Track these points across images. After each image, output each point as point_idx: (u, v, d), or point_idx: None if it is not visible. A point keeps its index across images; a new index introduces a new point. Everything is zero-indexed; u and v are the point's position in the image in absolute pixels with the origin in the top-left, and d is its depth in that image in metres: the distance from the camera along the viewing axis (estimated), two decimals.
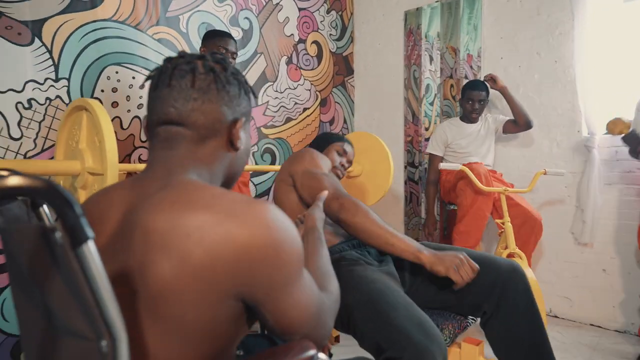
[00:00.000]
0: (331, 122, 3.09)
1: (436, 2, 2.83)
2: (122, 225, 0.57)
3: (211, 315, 0.51)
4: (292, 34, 2.80)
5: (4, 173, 0.70)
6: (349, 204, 1.14)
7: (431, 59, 2.89)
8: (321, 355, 0.61)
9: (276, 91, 2.71)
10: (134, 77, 2.00)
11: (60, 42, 1.78)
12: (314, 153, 1.39)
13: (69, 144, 1.46)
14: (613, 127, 2.04)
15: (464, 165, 2.07)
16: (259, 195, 2.61)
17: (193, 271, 0.49)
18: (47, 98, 1.75)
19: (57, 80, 1.77)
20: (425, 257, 1.06)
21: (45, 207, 0.75)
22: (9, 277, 0.55)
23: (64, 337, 0.46)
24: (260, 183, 2.61)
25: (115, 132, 1.94)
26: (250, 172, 2.42)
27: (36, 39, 1.71)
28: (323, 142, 1.60)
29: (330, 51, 3.07)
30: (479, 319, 1.20)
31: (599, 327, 2.24)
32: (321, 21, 2.99)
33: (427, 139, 2.85)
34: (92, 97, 1.87)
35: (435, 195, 2.61)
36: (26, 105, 1.69)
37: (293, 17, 2.80)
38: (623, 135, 1.99)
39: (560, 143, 2.36)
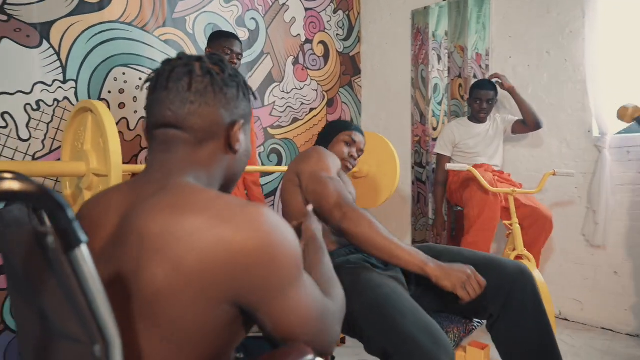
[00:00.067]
0: None
1: (444, 1, 2.80)
2: (119, 228, 0.57)
3: (205, 319, 0.51)
4: (298, 34, 2.79)
5: (7, 175, 0.71)
6: (352, 213, 1.10)
7: (439, 58, 2.86)
8: None
9: (283, 91, 2.71)
10: (140, 79, 2.01)
11: (68, 44, 1.80)
12: (321, 153, 1.33)
13: (74, 146, 1.47)
14: (624, 112, 1.96)
15: (471, 166, 2.05)
16: (266, 196, 2.61)
17: (186, 276, 0.49)
18: (55, 99, 1.76)
19: (65, 81, 1.79)
20: (431, 270, 1.03)
21: None
22: (7, 279, 0.55)
23: (59, 340, 0.46)
24: (266, 184, 2.61)
25: (122, 133, 1.97)
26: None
27: (44, 41, 1.73)
28: (329, 133, 1.52)
29: (337, 51, 3.06)
30: (484, 322, 1.18)
31: (611, 330, 2.20)
32: (328, 21, 2.98)
33: (434, 139, 2.83)
34: (99, 98, 1.89)
35: (444, 195, 2.58)
36: (34, 107, 1.71)
37: (299, 18, 2.79)
38: (637, 116, 1.91)
39: (570, 143, 2.32)
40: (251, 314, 0.55)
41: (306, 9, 2.83)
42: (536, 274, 1.67)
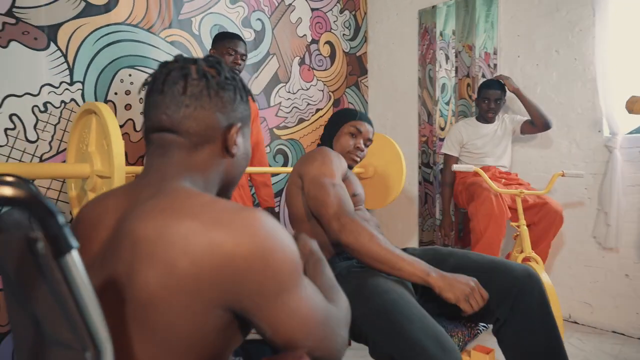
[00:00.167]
0: None
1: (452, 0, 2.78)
2: (114, 232, 0.57)
3: (198, 324, 0.50)
4: (304, 35, 2.79)
5: (10, 179, 0.71)
6: (351, 225, 1.08)
7: (447, 57, 2.84)
8: None
9: (289, 92, 2.70)
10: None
11: (75, 46, 1.81)
12: (326, 155, 1.29)
13: (79, 147, 1.48)
14: (633, 103, 1.91)
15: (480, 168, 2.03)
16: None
17: (178, 280, 0.49)
18: (62, 101, 1.78)
19: (71, 83, 1.81)
20: (434, 281, 1.02)
21: None
22: (2, 282, 0.55)
23: (51, 346, 0.46)
24: (273, 184, 2.61)
25: (129, 134, 1.98)
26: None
27: (52, 44, 1.75)
28: (334, 125, 1.46)
29: (343, 51, 3.05)
30: (490, 326, 1.16)
31: (622, 334, 2.16)
32: (334, 21, 2.97)
33: (441, 139, 2.80)
34: (105, 99, 1.90)
35: (451, 196, 2.56)
36: (42, 109, 1.73)
37: (306, 18, 2.79)
38: None
39: (580, 143, 2.28)
40: (248, 319, 0.54)
41: (312, 9, 2.82)
42: (544, 276, 1.64)
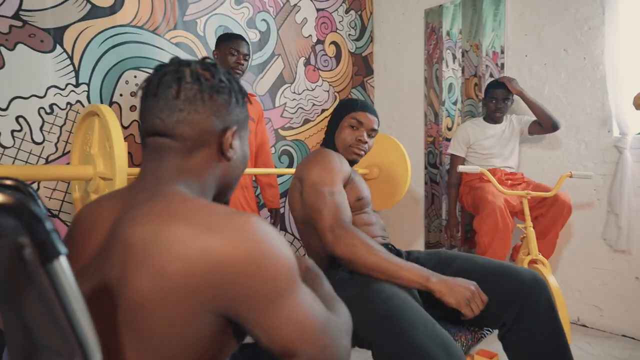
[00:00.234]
0: None
1: None
2: (109, 236, 0.56)
3: (191, 330, 0.50)
4: (310, 35, 2.78)
5: (9, 182, 0.71)
6: (346, 237, 1.06)
7: (454, 57, 2.81)
8: None
9: (294, 93, 2.70)
10: None
11: (81, 48, 1.83)
12: (326, 160, 1.24)
13: (83, 149, 1.49)
14: None
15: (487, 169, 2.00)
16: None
17: (169, 286, 0.48)
18: (68, 103, 1.79)
19: (77, 85, 1.82)
20: (435, 286, 1.01)
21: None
22: None
23: (42, 352, 0.46)
24: (279, 185, 2.61)
25: (134, 136, 1.99)
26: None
27: (58, 46, 1.76)
28: (334, 120, 1.38)
29: (349, 51, 3.04)
30: (494, 330, 1.15)
31: (632, 338, 2.12)
32: (340, 21, 2.96)
33: (448, 139, 2.78)
34: (111, 101, 1.91)
35: (457, 197, 2.53)
36: (48, 110, 1.74)
37: (311, 18, 2.78)
38: None
39: (589, 144, 2.24)
40: (242, 325, 0.53)
41: (318, 10, 2.81)
42: (551, 279, 1.62)
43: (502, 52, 2.55)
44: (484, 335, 1.14)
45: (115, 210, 0.61)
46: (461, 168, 1.86)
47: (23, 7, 1.67)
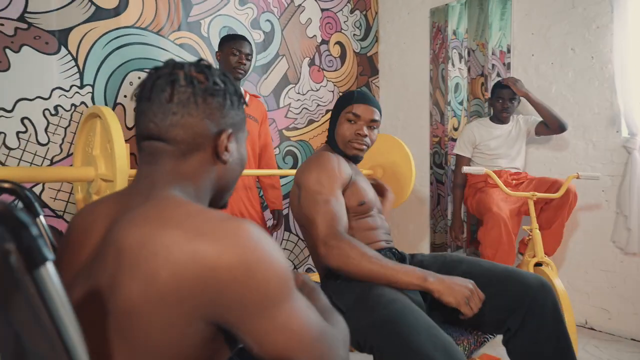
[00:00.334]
0: None
1: None
2: (103, 240, 0.56)
3: (180, 337, 0.49)
4: (314, 35, 2.77)
5: (6, 185, 0.70)
6: (339, 248, 1.04)
7: (460, 56, 2.79)
8: None
9: (298, 93, 2.69)
10: None
11: (85, 50, 1.84)
12: (324, 164, 1.20)
13: (85, 151, 1.50)
14: None
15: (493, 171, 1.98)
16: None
17: (159, 292, 0.47)
18: (73, 104, 1.80)
19: (82, 87, 1.83)
20: (433, 286, 1.00)
21: (42, 218, 0.77)
22: None
23: (31, 358, 0.45)
24: (282, 186, 2.60)
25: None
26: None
27: (62, 48, 1.77)
28: (333, 116, 1.33)
29: (354, 51, 3.02)
30: (497, 335, 1.13)
31: None
32: (345, 21, 2.95)
33: (453, 140, 2.75)
34: (115, 102, 1.92)
35: (462, 198, 2.51)
36: (53, 112, 1.76)
37: (315, 18, 2.77)
38: None
39: (597, 144, 2.21)
40: (233, 333, 0.53)
41: (322, 10, 2.80)
42: (557, 283, 1.59)
43: (509, 52, 2.52)
44: (487, 339, 1.13)
45: (110, 213, 0.60)
46: (466, 169, 1.83)
47: (28, 10, 1.68)
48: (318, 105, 2.81)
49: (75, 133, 1.80)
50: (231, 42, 1.92)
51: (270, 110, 2.53)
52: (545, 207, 2.08)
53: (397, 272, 1.03)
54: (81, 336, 0.42)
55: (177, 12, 2.12)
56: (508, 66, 2.52)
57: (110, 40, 1.90)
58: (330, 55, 2.87)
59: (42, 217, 0.74)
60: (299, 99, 2.69)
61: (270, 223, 2.26)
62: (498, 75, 2.58)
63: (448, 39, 2.81)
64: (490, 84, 2.53)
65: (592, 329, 2.25)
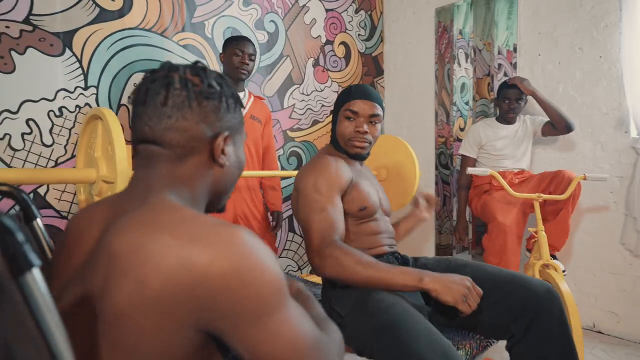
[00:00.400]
0: None
1: None
2: (96, 244, 0.56)
3: (168, 346, 0.49)
4: (319, 36, 2.76)
5: (3, 188, 0.70)
6: (332, 256, 1.03)
7: (466, 56, 2.77)
8: None
9: (302, 94, 2.69)
10: None
11: (90, 52, 1.85)
12: (322, 169, 1.17)
13: (87, 153, 1.51)
14: None
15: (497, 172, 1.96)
16: (284, 200, 2.59)
17: (148, 299, 0.47)
18: (77, 106, 1.81)
19: (86, 88, 1.84)
20: (429, 285, 0.99)
21: (38, 221, 0.77)
22: None
23: None
24: (284, 187, 2.60)
25: None
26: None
27: (67, 50, 1.79)
28: (333, 115, 1.29)
29: (358, 52, 3.01)
30: (500, 340, 1.11)
31: None
32: (349, 21, 2.94)
33: (459, 140, 2.73)
34: (119, 104, 1.93)
35: (467, 199, 2.49)
36: (57, 113, 1.77)
37: (320, 19, 2.76)
38: None
39: (605, 145, 2.17)
40: (225, 341, 0.52)
41: (327, 10, 2.80)
42: (563, 286, 1.57)
43: (516, 51, 2.49)
44: (490, 343, 1.11)
45: (105, 217, 0.60)
46: (470, 170, 1.81)
47: (33, 12, 1.69)
48: (322, 105, 2.80)
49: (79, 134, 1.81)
50: (234, 43, 1.93)
51: (274, 111, 2.52)
52: (549, 199, 2.06)
53: (393, 274, 1.02)
54: (68, 342, 0.41)
55: (181, 13, 2.12)
56: (515, 66, 2.50)
57: (115, 42, 1.91)
58: (335, 55, 2.86)
59: (38, 220, 0.74)
60: (303, 100, 2.69)
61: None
62: (505, 74, 2.55)
63: (454, 38, 2.79)
64: (497, 84, 2.50)
65: (600, 332, 2.22)
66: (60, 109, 1.77)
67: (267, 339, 0.51)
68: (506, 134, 2.32)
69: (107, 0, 1.88)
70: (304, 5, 2.66)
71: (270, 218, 2.21)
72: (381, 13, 3.16)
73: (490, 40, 2.63)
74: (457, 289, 0.97)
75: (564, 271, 1.97)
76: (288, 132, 2.62)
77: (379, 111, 1.23)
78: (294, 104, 2.64)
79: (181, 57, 2.11)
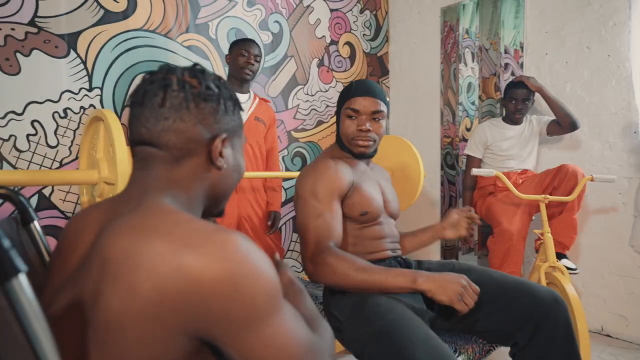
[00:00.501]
0: None
1: None
2: (91, 247, 0.55)
3: (160, 352, 0.48)
4: (323, 36, 2.75)
5: (1, 191, 0.70)
6: (325, 262, 1.01)
7: (473, 55, 2.74)
8: None
9: (307, 94, 2.68)
10: None
11: (94, 53, 1.85)
12: (321, 173, 1.13)
13: (90, 154, 1.51)
14: None
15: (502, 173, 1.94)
16: (286, 201, 2.59)
17: (140, 305, 0.46)
18: (82, 107, 1.82)
19: (90, 89, 1.85)
20: (423, 286, 0.97)
21: (36, 223, 0.77)
22: None
23: None
24: (289, 187, 2.60)
25: None
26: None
27: (72, 51, 1.79)
28: (337, 112, 1.25)
29: (363, 52, 3.00)
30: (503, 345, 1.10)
31: None
32: (354, 21, 2.93)
33: (465, 140, 2.71)
34: (123, 105, 1.94)
35: (472, 200, 2.46)
36: (62, 115, 1.78)
37: (324, 19, 2.75)
38: None
39: (614, 145, 2.14)
40: (218, 347, 0.51)
41: (331, 10, 2.79)
42: (569, 289, 1.54)
43: (522, 50, 2.47)
44: (493, 348, 1.10)
45: (101, 219, 0.60)
46: (475, 171, 1.79)
47: (38, 14, 1.71)
48: (327, 106, 2.79)
49: None
50: (240, 44, 1.96)
51: (278, 112, 2.52)
52: (554, 192, 2.02)
53: (387, 277, 1.00)
54: (55, 349, 0.41)
55: (185, 14, 2.13)
56: (521, 65, 2.47)
57: (119, 43, 1.92)
58: (340, 55, 2.85)
59: (36, 223, 0.74)
60: (307, 100, 2.68)
61: None
62: (512, 74, 2.52)
63: (460, 37, 2.77)
64: (503, 84, 2.47)
65: (608, 336, 2.18)
66: (65, 110, 1.78)
67: (262, 344, 0.51)
68: (512, 135, 2.30)
69: (112, 1, 1.89)
70: (308, 6, 2.66)
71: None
72: (386, 13, 3.14)
73: (496, 40, 2.60)
74: (452, 288, 0.95)
75: (575, 269, 1.95)
76: (292, 132, 2.62)
77: (382, 107, 1.18)
78: (298, 105, 2.64)
79: (185, 58, 2.11)
